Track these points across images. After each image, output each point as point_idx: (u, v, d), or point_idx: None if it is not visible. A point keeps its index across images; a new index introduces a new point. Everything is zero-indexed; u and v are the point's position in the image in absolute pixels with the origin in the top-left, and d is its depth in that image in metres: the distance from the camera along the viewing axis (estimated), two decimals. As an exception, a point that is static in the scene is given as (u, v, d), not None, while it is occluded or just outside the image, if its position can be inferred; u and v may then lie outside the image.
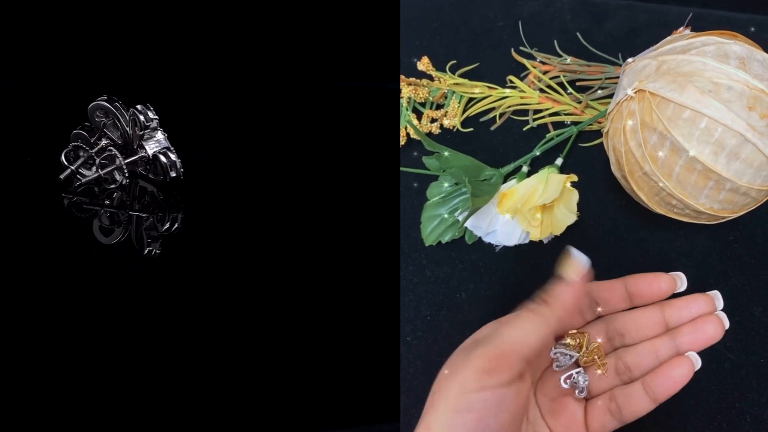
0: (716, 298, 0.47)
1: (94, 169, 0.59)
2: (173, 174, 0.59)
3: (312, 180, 0.63)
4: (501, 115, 0.63)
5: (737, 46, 0.49)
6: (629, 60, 0.53)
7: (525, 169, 0.59)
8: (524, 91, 0.64)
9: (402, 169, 0.60)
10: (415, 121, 0.63)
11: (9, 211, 0.58)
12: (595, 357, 0.46)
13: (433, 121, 0.63)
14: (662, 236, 0.57)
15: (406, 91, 0.63)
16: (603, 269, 0.55)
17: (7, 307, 0.51)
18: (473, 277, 0.56)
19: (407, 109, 0.63)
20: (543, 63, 0.65)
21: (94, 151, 0.59)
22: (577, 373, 0.46)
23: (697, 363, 0.45)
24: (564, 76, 0.64)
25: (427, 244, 0.57)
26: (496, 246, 0.57)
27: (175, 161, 0.59)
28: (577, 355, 0.46)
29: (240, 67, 0.74)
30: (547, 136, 0.62)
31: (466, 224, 0.56)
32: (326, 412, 0.47)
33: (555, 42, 0.66)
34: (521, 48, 0.66)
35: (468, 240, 0.57)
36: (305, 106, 0.72)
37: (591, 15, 0.69)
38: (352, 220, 0.59)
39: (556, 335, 0.46)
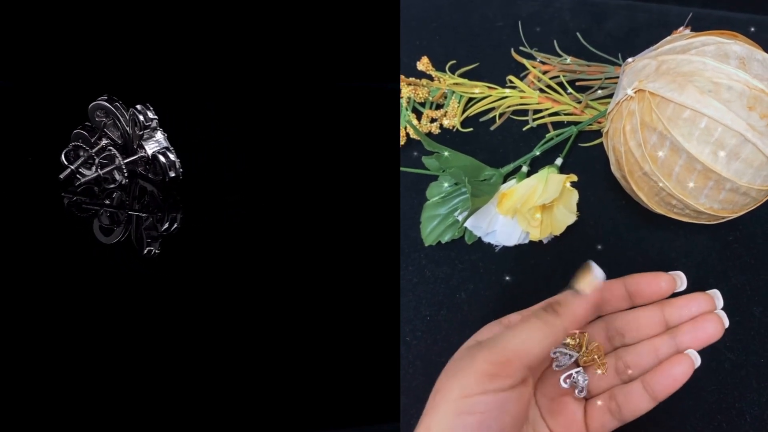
0: (716, 297, 0.47)
1: (93, 168, 0.59)
2: (172, 174, 0.59)
3: (312, 180, 0.63)
4: (501, 115, 0.63)
5: (737, 45, 0.49)
6: (629, 60, 0.53)
7: (525, 169, 0.59)
8: (524, 91, 0.64)
9: (402, 169, 0.60)
10: (415, 121, 0.63)
11: (9, 211, 0.58)
12: (595, 356, 0.46)
13: (432, 121, 0.63)
14: (662, 236, 0.57)
15: (406, 91, 0.63)
16: (603, 269, 0.55)
17: (8, 306, 0.51)
18: (473, 277, 0.56)
19: (407, 109, 0.63)
20: (543, 63, 0.65)
21: (94, 150, 0.59)
22: (576, 372, 0.46)
23: (697, 361, 0.45)
24: (564, 76, 0.64)
25: (426, 244, 0.57)
26: (496, 246, 0.57)
27: (174, 161, 0.59)
28: (577, 354, 0.46)
29: (240, 67, 0.74)
30: (547, 136, 0.62)
31: (465, 224, 0.56)
32: (326, 412, 0.47)
33: (555, 42, 0.66)
34: (521, 48, 0.66)
35: (468, 240, 0.57)
36: (305, 106, 0.72)
37: (591, 15, 0.69)
38: (352, 220, 0.59)
39: None
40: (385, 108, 0.67)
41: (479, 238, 0.57)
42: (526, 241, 0.57)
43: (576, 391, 0.46)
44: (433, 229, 0.57)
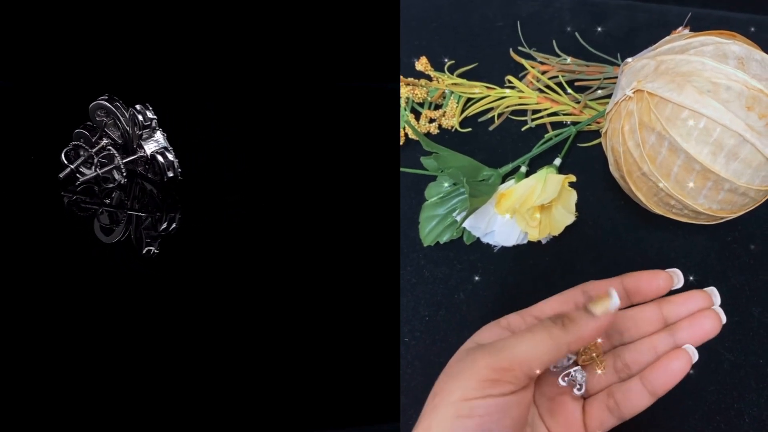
0: (713, 294, 0.47)
1: (93, 168, 0.59)
2: (170, 174, 0.59)
3: (312, 180, 0.63)
4: (499, 115, 0.63)
5: (736, 46, 0.49)
6: (628, 60, 0.53)
7: (523, 169, 0.59)
8: (523, 92, 0.64)
9: (401, 169, 0.60)
10: (414, 122, 0.63)
11: (10, 211, 0.58)
12: (593, 355, 0.46)
13: (431, 121, 0.63)
14: (661, 236, 0.57)
15: (405, 91, 0.63)
16: (602, 269, 0.55)
17: (8, 305, 0.51)
18: (471, 277, 0.56)
19: (405, 109, 0.63)
20: (542, 63, 0.65)
21: (94, 150, 0.59)
22: (574, 370, 0.46)
23: (695, 356, 0.45)
24: (563, 76, 0.64)
25: (425, 245, 0.57)
26: (495, 246, 0.57)
27: (172, 161, 0.59)
28: (575, 356, 0.46)
29: (240, 67, 0.74)
30: (546, 136, 0.62)
31: (464, 224, 0.56)
32: (326, 412, 0.47)
33: (554, 42, 0.66)
34: (520, 48, 0.66)
35: (466, 240, 0.57)
36: (305, 106, 0.72)
37: (590, 15, 0.69)
38: (351, 221, 0.59)
39: None
40: (385, 108, 0.67)
41: (478, 238, 0.57)
42: (525, 242, 0.57)
43: (574, 389, 0.46)
44: (431, 229, 0.57)
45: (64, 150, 0.59)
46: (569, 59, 0.65)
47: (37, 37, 0.71)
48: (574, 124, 0.62)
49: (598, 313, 0.42)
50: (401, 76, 0.64)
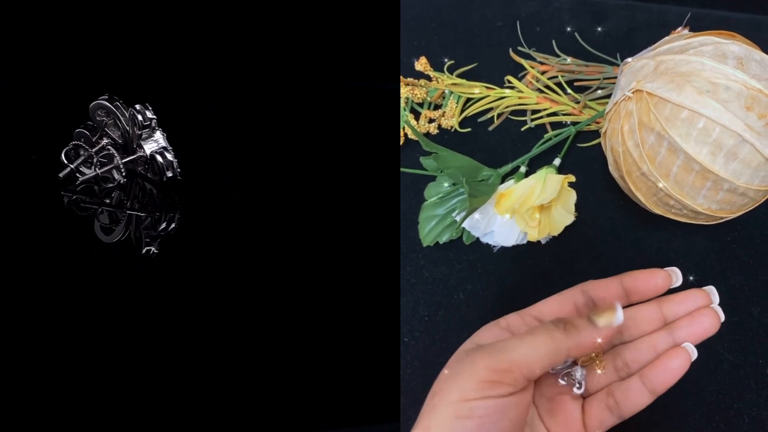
0: (712, 293, 0.47)
1: (93, 167, 0.59)
2: (169, 174, 0.59)
3: (312, 180, 0.63)
4: (499, 115, 0.63)
5: (735, 46, 0.49)
6: (627, 60, 0.53)
7: (523, 169, 0.59)
8: (522, 92, 0.64)
9: (400, 169, 0.60)
10: (413, 122, 0.63)
11: (10, 210, 0.58)
12: (593, 355, 0.46)
13: (431, 121, 0.63)
14: (660, 236, 0.57)
15: (404, 91, 0.63)
16: (601, 269, 0.55)
17: (8, 305, 0.51)
18: (471, 277, 0.56)
19: (405, 109, 0.63)
20: (541, 63, 0.65)
21: (94, 150, 0.59)
22: (574, 369, 0.46)
23: (694, 354, 0.45)
24: (562, 77, 0.64)
25: (424, 245, 0.57)
26: (494, 246, 0.57)
27: (171, 161, 0.59)
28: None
29: (240, 67, 0.74)
30: (545, 136, 0.62)
31: (463, 225, 0.56)
32: (326, 412, 0.47)
33: (553, 42, 0.66)
34: (519, 48, 0.66)
35: (466, 240, 0.57)
36: (305, 106, 0.72)
37: (589, 15, 0.69)
38: (351, 221, 0.59)
39: None
40: (385, 108, 0.67)
41: (477, 238, 0.57)
42: (524, 242, 0.57)
43: (574, 388, 0.46)
44: (431, 229, 0.57)
45: (64, 149, 0.59)
46: (569, 59, 0.65)
47: (37, 37, 0.71)
48: (574, 124, 0.62)
49: (601, 325, 0.42)
50: (401, 76, 0.64)
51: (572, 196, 0.55)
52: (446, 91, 0.64)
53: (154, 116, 0.59)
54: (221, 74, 0.73)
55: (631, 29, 0.68)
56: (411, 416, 0.50)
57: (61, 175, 0.59)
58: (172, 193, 0.60)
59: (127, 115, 0.58)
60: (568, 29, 0.68)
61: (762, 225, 0.57)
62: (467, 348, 0.43)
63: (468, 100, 0.64)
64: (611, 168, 0.55)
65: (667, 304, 0.47)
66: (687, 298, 0.47)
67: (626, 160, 0.51)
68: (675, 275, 0.47)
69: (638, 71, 0.51)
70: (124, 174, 0.59)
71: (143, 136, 0.59)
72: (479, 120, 0.64)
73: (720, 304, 0.47)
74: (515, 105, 0.63)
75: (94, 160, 0.59)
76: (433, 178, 0.58)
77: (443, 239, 0.57)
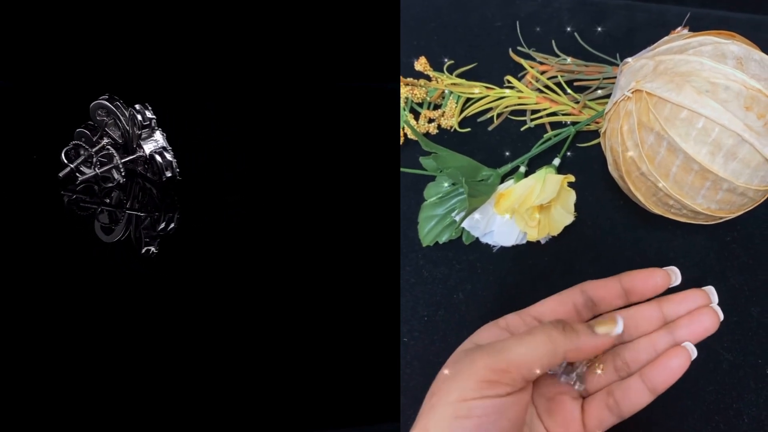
0: (711, 292, 0.47)
1: (93, 167, 0.59)
2: (168, 174, 0.59)
3: (312, 180, 0.63)
4: (498, 115, 0.63)
5: (734, 46, 0.49)
6: (627, 60, 0.53)
7: (522, 169, 0.59)
8: (522, 92, 0.64)
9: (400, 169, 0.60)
10: (413, 122, 0.63)
11: (10, 210, 0.58)
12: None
13: (430, 121, 0.63)
14: (660, 236, 0.57)
15: (404, 91, 0.63)
16: (600, 269, 0.55)
17: (8, 305, 0.51)
18: (470, 277, 0.56)
19: (404, 109, 0.63)
20: (541, 63, 0.65)
21: (94, 149, 0.59)
22: (574, 368, 0.46)
23: (693, 353, 0.45)
24: (562, 76, 0.64)
25: (424, 245, 0.57)
26: (494, 246, 0.57)
27: (171, 161, 0.59)
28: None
29: (240, 67, 0.74)
30: (545, 136, 0.62)
31: (463, 224, 0.56)
32: (326, 412, 0.47)
33: (553, 42, 0.66)
34: (519, 48, 0.66)
35: (465, 240, 0.57)
36: (305, 106, 0.72)
37: (589, 15, 0.69)
38: (351, 221, 0.59)
39: None
40: (385, 108, 0.67)
41: (477, 238, 0.57)
42: (524, 242, 0.57)
43: (575, 387, 0.46)
44: (430, 229, 0.57)
45: (65, 149, 0.59)
46: (568, 59, 0.65)
47: (37, 37, 0.71)
48: (573, 124, 0.62)
49: (601, 333, 0.42)
50: (400, 76, 0.64)
51: (572, 196, 0.55)
52: (446, 91, 0.64)
53: (154, 116, 0.59)
54: (221, 74, 0.74)
55: (630, 29, 0.68)
56: (411, 416, 0.49)
57: (61, 174, 0.59)
58: (172, 193, 0.60)
59: (127, 115, 0.58)
60: (568, 29, 0.68)
61: (761, 225, 0.57)
62: (466, 348, 0.43)
63: (467, 100, 0.64)
64: (611, 168, 0.55)
65: (666, 303, 0.47)
66: (686, 298, 0.47)
67: (626, 160, 0.51)
68: (674, 275, 0.47)
69: (638, 71, 0.51)
70: (123, 174, 0.59)
71: (143, 136, 0.59)
72: (479, 120, 0.64)
73: (719, 304, 0.47)
74: (515, 105, 0.64)
75: (94, 159, 0.59)
76: (432, 178, 0.58)
77: (443, 239, 0.57)
